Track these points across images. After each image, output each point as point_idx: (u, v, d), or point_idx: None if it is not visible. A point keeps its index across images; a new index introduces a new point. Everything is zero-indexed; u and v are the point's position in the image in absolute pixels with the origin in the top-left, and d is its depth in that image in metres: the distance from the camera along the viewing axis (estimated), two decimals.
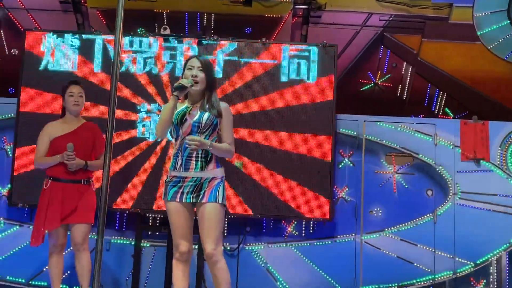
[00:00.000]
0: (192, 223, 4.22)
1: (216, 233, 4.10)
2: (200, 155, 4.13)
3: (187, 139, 4.08)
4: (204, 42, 6.46)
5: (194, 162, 4.12)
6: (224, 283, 4.12)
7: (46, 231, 5.16)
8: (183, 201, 4.13)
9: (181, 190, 4.13)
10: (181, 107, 4.22)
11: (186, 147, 4.12)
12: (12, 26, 7.45)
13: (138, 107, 6.41)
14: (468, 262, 6.48)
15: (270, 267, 6.48)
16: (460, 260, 6.48)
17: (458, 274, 6.47)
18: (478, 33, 7.14)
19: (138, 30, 6.69)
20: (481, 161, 6.60)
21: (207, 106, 4.20)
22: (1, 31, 7.51)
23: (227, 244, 6.36)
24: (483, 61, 7.38)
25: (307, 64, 6.46)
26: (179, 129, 4.17)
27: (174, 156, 4.20)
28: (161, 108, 4.38)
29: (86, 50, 6.47)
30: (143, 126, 6.39)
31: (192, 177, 4.12)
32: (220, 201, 4.13)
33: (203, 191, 4.11)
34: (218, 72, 6.39)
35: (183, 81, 4.16)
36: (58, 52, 6.46)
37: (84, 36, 6.51)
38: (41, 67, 6.45)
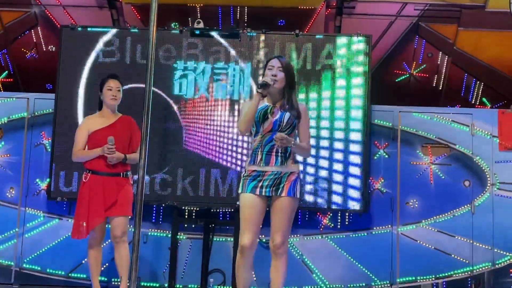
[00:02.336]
0: (262, 218, 4.33)
1: (288, 227, 4.31)
2: (280, 151, 4.29)
3: (276, 135, 4.21)
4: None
5: (274, 157, 4.29)
6: (283, 276, 4.29)
7: (92, 228, 5.23)
8: (262, 194, 4.27)
9: (260, 184, 4.27)
10: (262, 105, 4.36)
11: (267, 143, 4.29)
12: (48, 23, 7.57)
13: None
14: (507, 254, 6.39)
15: (306, 259, 6.48)
16: (498, 251, 6.39)
17: (496, 266, 6.38)
18: None
19: (172, 25, 6.74)
20: None
21: (287, 106, 4.35)
22: (39, 28, 7.63)
23: (263, 236, 6.36)
24: None
25: (342, 55, 6.45)
26: (260, 126, 4.33)
27: (253, 151, 4.35)
28: (242, 105, 4.51)
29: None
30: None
31: (272, 171, 4.28)
32: (298, 196, 4.32)
33: (282, 185, 4.27)
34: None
35: (267, 79, 4.29)
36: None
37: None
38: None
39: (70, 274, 6.46)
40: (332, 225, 6.52)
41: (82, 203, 5.22)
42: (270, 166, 4.28)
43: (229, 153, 6.32)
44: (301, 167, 4.62)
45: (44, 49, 7.70)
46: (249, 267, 4.31)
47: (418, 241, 6.46)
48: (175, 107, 6.45)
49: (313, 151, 6.33)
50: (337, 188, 6.31)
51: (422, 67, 7.73)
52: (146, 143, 3.65)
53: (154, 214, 6.54)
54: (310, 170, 6.34)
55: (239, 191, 4.34)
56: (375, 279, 6.42)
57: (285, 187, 4.26)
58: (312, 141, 6.33)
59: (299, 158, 4.55)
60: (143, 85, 3.93)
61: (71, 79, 6.49)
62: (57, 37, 6.87)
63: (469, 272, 6.39)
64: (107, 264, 6.25)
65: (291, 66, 4.48)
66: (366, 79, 6.41)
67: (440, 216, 6.47)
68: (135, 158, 5.24)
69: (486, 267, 6.40)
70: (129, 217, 5.26)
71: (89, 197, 5.19)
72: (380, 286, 6.41)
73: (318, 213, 6.51)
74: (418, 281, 6.41)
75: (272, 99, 4.38)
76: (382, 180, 6.54)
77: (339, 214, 6.48)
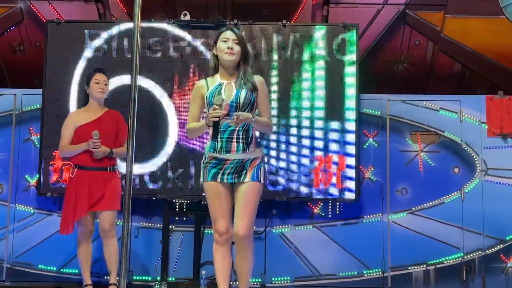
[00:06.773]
0: (231, 204, 4.15)
1: (252, 214, 4.09)
2: (241, 137, 4.06)
3: (234, 114, 3.96)
4: None
5: (235, 144, 4.05)
6: (250, 268, 4.13)
7: (75, 220, 5.23)
8: (224, 181, 4.07)
9: (221, 172, 4.07)
10: (214, 84, 4.11)
11: (225, 128, 4.04)
12: (34, 18, 7.52)
13: None
14: (498, 239, 6.42)
15: (298, 249, 6.49)
16: (489, 237, 6.42)
17: (487, 251, 6.41)
18: (502, 6, 7.03)
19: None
20: (508, 136, 6.52)
21: (242, 81, 4.09)
22: (25, 23, 7.57)
23: (254, 227, 6.37)
24: (509, 35, 7.25)
25: (330, 45, 6.44)
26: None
27: (212, 138, 4.09)
28: (191, 99, 4.28)
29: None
30: None
31: (234, 159, 4.06)
32: (262, 181, 4.10)
33: (244, 171, 4.06)
34: None
35: (216, 113, 3.94)
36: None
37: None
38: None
39: (61, 270, 6.45)
40: (323, 214, 6.53)
41: (68, 199, 5.23)
42: (232, 153, 4.03)
43: None
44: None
45: (31, 45, 7.65)
46: (227, 256, 4.14)
47: (409, 229, 6.48)
48: (162, 100, 6.42)
49: (294, 140, 6.34)
50: (327, 177, 6.31)
51: (410, 55, 7.73)
52: (133, 137, 3.63)
53: (144, 208, 6.52)
54: (304, 161, 6.34)
55: (201, 179, 4.16)
56: (367, 267, 6.44)
57: (248, 173, 4.04)
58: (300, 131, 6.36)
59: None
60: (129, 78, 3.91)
61: (58, 74, 6.45)
62: (43, 32, 6.83)
63: (460, 258, 6.42)
64: (99, 259, 6.24)
65: (244, 38, 4.21)
66: (354, 68, 6.40)
67: (430, 203, 6.49)
68: (123, 152, 5.23)
69: (477, 253, 6.43)
70: (118, 211, 5.26)
71: (75, 192, 5.19)
72: (371, 274, 6.43)
73: (309, 203, 6.52)
74: (410, 268, 6.43)
75: (226, 74, 4.13)
76: (372, 169, 6.55)
77: (330, 204, 6.49)
